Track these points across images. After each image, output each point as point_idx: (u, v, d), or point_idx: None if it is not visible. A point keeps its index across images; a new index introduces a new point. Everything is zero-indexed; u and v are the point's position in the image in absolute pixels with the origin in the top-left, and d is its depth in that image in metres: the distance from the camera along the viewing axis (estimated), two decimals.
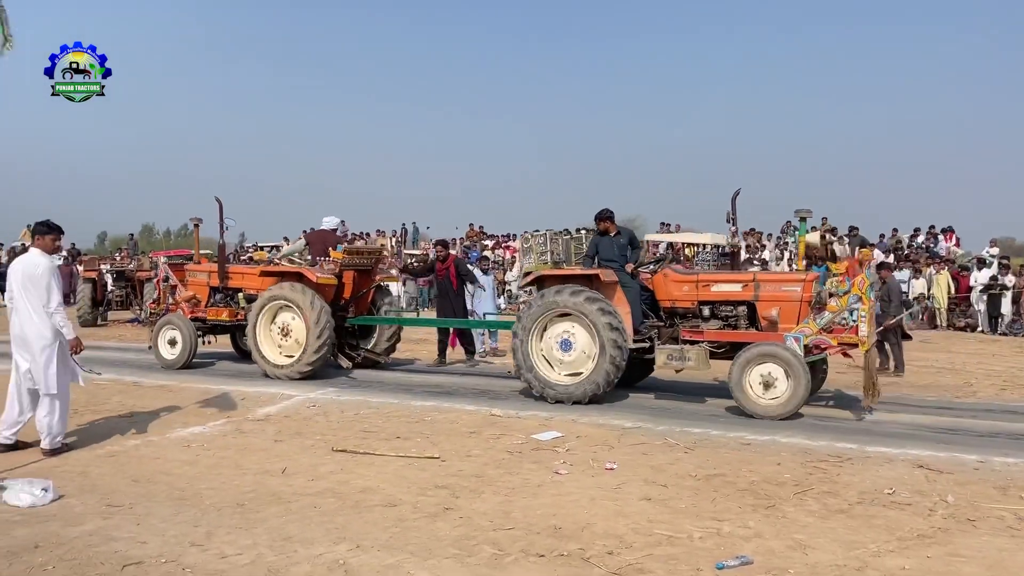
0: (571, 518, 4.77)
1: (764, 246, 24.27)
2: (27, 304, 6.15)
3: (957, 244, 23.00)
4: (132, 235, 36.46)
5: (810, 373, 8.25)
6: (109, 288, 20.60)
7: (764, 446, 6.70)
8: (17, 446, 6.35)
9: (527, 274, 9.62)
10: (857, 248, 22.97)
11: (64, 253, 29.67)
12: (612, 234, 9.44)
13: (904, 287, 20.85)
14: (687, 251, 23.01)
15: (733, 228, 9.91)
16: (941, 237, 23.35)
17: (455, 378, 10.89)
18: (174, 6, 78.87)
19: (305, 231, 16.89)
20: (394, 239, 30.00)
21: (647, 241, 25.79)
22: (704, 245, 22.67)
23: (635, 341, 8.81)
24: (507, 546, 4.29)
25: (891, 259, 22.30)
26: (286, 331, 10.64)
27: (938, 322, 20.09)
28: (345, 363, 11.39)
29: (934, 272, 20.49)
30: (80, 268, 22.71)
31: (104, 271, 20.84)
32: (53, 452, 6.25)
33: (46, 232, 6.31)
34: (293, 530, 4.54)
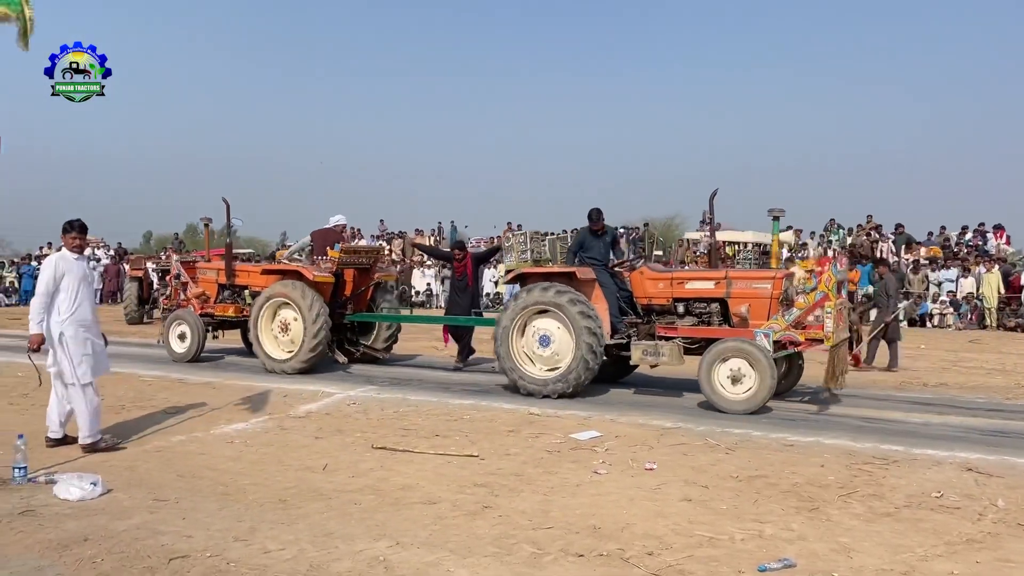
0: (610, 518, 4.75)
1: (806, 244, 23.90)
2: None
3: (1008, 242, 22.43)
4: (177, 234, 37.13)
5: (786, 368, 8.97)
6: (155, 287, 21.01)
7: (807, 447, 6.60)
8: (66, 440, 6.48)
9: (508, 272, 9.81)
10: (906, 245, 22.61)
11: (111, 252, 30.38)
12: (600, 233, 9.70)
13: (952, 286, 20.44)
14: (728, 250, 22.72)
15: (709, 228, 10.06)
16: (991, 235, 22.78)
17: (493, 376, 10.91)
18: (178, 5, 79.61)
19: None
20: (432, 238, 30.15)
21: (686, 239, 25.63)
22: (745, 244, 22.40)
23: (614, 338, 9.04)
24: (546, 545, 4.29)
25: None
26: (285, 327, 11.00)
27: (988, 322, 19.64)
28: (341, 359, 11.64)
29: (983, 271, 20.01)
30: (127, 267, 23.18)
31: (150, 270, 21.25)
32: (90, 449, 6.29)
33: (67, 231, 6.41)
34: (334, 526, 4.58)
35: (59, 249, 6.63)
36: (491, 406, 8.44)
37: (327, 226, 12.37)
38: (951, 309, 19.99)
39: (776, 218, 9.17)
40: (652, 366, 9.04)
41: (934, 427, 7.69)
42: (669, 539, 4.38)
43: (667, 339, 8.76)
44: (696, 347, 8.72)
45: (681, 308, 9.11)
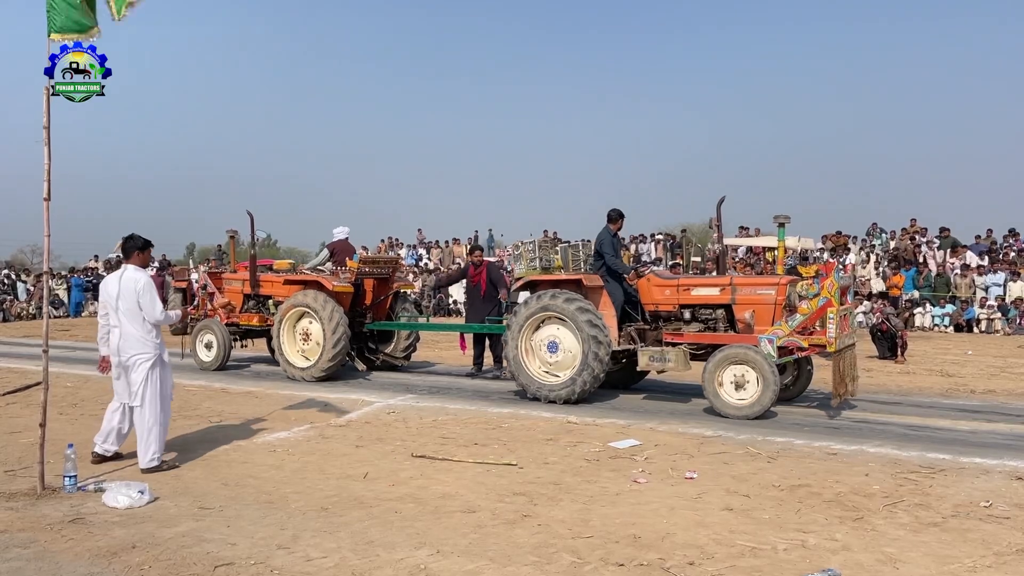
0: (650, 527, 4.72)
1: (849, 250, 23.50)
2: (127, 319, 6.16)
3: None
4: (220, 246, 37.70)
5: (796, 373, 9.17)
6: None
7: (851, 456, 6.50)
8: (113, 458, 6.46)
9: (518, 279, 9.96)
10: (951, 248, 22.13)
11: (156, 264, 30.97)
12: (616, 234, 9.88)
13: (999, 291, 19.96)
14: (767, 255, 22.43)
15: (716, 235, 10.30)
16: None
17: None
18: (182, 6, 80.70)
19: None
20: (468, 246, 30.24)
21: (726, 245, 25.32)
22: (793, 250, 22.05)
23: (620, 344, 9.21)
24: (586, 554, 4.28)
25: (986, 261, 21.37)
26: (307, 336, 11.31)
27: None
28: (360, 366, 12.00)
29: None
30: (171, 278, 23.61)
31: (194, 281, 21.62)
32: (148, 470, 6.12)
33: (145, 247, 6.41)
34: (375, 534, 4.62)
35: (119, 262, 6.59)
36: (529, 414, 8.44)
37: (337, 238, 12.79)
38: (999, 314, 19.51)
39: (781, 225, 9.33)
40: (659, 372, 9.21)
41: (982, 435, 7.52)
42: (711, 549, 4.35)
43: (673, 345, 8.88)
44: (702, 353, 8.84)
45: (687, 314, 9.21)
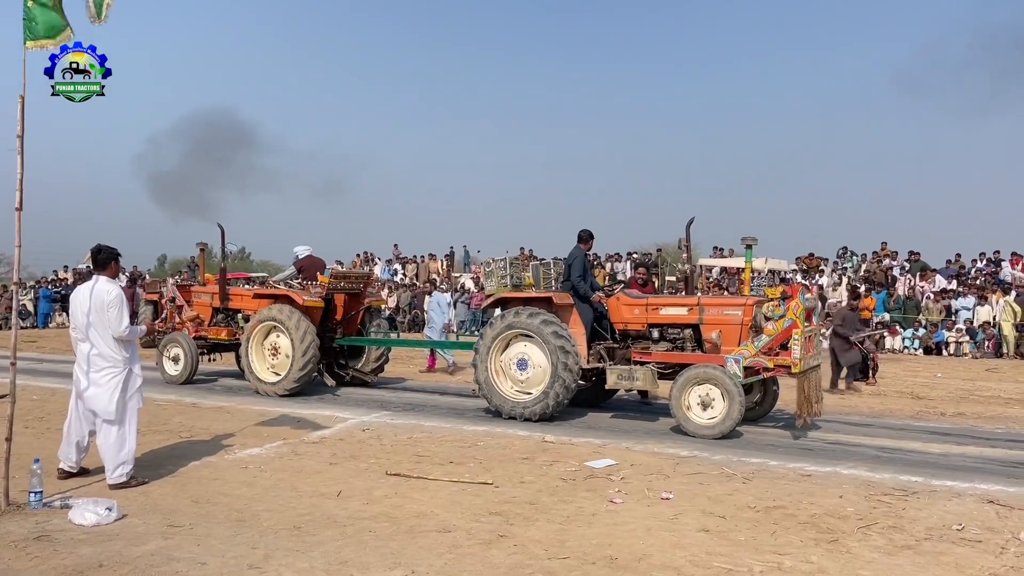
0: (627, 548, 4.70)
1: (822, 271, 23.77)
2: (98, 332, 6.06)
3: None
4: (192, 258, 37.35)
5: (761, 393, 9.33)
6: None
7: (825, 478, 6.54)
8: (80, 474, 6.33)
9: (488, 296, 9.98)
10: (920, 272, 22.46)
11: (126, 275, 30.58)
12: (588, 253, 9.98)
13: (969, 314, 20.28)
14: (743, 276, 22.56)
15: (686, 255, 10.57)
16: (1006, 262, 22.52)
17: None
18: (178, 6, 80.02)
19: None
20: (444, 262, 30.19)
21: (700, 266, 25.50)
22: (759, 271, 22.23)
23: (590, 362, 9.28)
24: None
25: (954, 284, 21.70)
26: (276, 350, 11.23)
27: (1005, 351, 19.42)
28: (329, 381, 11.97)
29: (1000, 300, 19.79)
30: (142, 291, 23.32)
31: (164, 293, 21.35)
32: (117, 486, 6.00)
33: (114, 259, 6.31)
34: (349, 554, 4.56)
35: (90, 272, 6.45)
36: (505, 432, 8.41)
37: (300, 257, 12.59)
38: (967, 337, 19.81)
39: (749, 246, 9.48)
40: (627, 390, 9.26)
41: (953, 457, 7.60)
42: (687, 570, 4.34)
43: (641, 364, 8.96)
44: (670, 372, 8.93)
45: (656, 333, 9.29)
